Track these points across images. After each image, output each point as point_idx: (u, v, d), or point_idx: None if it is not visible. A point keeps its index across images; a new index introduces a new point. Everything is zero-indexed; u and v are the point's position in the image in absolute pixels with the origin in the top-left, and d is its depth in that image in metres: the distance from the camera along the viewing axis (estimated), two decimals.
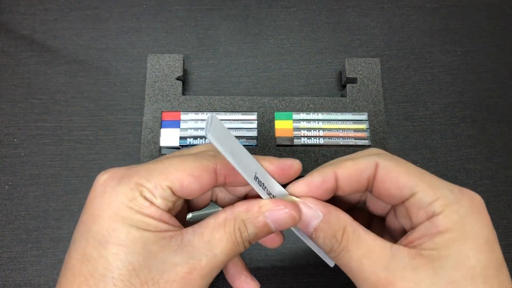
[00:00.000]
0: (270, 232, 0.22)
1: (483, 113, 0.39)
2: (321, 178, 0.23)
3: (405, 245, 0.21)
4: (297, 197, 0.23)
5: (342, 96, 0.38)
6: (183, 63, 0.37)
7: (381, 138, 0.35)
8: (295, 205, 0.22)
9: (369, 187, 0.23)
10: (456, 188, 0.22)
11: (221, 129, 0.21)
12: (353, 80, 0.37)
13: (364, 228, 0.22)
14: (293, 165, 0.24)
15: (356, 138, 0.35)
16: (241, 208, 0.23)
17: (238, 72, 0.39)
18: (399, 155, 0.39)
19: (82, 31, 0.40)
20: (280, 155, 0.34)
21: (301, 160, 0.34)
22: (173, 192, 0.22)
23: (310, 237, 0.23)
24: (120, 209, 0.21)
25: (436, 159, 0.38)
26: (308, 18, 0.42)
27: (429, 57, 0.41)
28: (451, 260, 0.19)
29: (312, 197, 0.23)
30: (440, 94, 0.40)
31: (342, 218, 0.22)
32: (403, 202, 0.22)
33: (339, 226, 0.22)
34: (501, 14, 0.43)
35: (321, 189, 0.23)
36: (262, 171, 0.23)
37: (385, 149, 0.35)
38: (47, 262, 0.33)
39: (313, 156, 0.34)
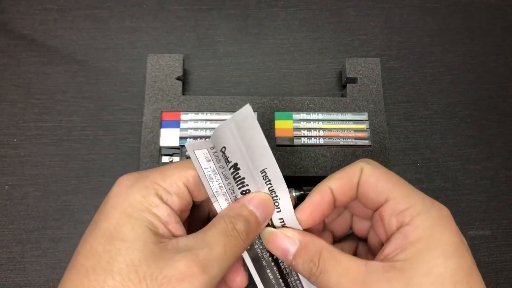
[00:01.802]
0: (258, 221, 0.24)
1: (483, 113, 0.39)
2: (319, 195, 0.24)
3: (381, 260, 0.22)
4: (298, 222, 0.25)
5: (342, 96, 0.38)
6: (183, 63, 0.37)
7: (381, 138, 0.35)
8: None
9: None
10: (427, 199, 0.23)
11: (220, 134, 0.24)
12: (353, 80, 0.37)
13: (340, 250, 0.23)
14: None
15: (356, 138, 0.35)
16: (226, 209, 0.25)
17: (238, 72, 0.39)
18: (399, 155, 0.39)
19: (82, 31, 0.40)
20: (280, 155, 0.34)
21: (301, 160, 0.34)
22: (188, 191, 0.24)
23: (291, 265, 0.24)
24: (131, 206, 0.22)
25: (436, 159, 0.37)
26: (308, 18, 0.42)
27: (429, 57, 0.41)
28: (421, 269, 0.20)
29: (313, 219, 0.25)
30: (440, 94, 0.40)
31: (318, 243, 0.24)
32: (378, 208, 0.24)
33: (316, 251, 0.23)
34: (501, 14, 0.43)
35: (323, 204, 0.24)
36: (274, 170, 0.24)
37: (385, 149, 0.35)
38: (47, 262, 0.33)
39: (313, 156, 0.34)
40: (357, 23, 0.42)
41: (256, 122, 0.24)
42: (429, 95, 0.40)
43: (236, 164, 0.24)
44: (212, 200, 0.25)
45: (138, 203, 0.22)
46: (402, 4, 0.43)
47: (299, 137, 0.35)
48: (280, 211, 0.25)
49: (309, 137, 0.35)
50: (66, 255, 0.33)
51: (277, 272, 0.27)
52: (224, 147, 0.25)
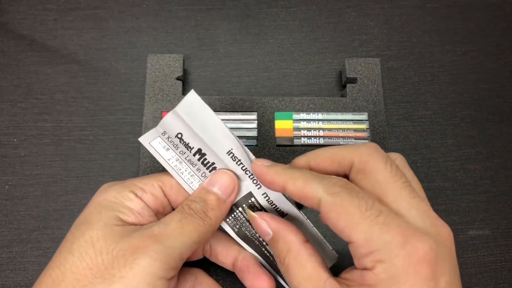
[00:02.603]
0: (219, 198, 0.24)
1: (483, 113, 0.39)
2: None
3: (343, 278, 0.21)
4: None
5: (342, 96, 0.38)
6: (183, 63, 0.37)
7: (381, 138, 0.35)
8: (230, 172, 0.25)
9: None
10: (398, 239, 0.19)
11: (172, 124, 0.24)
12: (353, 80, 0.37)
13: (311, 253, 0.22)
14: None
15: (356, 138, 0.35)
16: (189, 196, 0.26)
17: (238, 72, 0.39)
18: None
19: (82, 31, 0.40)
20: (280, 155, 0.34)
21: None
22: (163, 192, 0.25)
23: None
24: (105, 199, 0.24)
25: (436, 159, 0.38)
26: (308, 18, 0.42)
27: (429, 57, 0.41)
28: None
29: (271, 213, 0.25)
30: (440, 94, 0.40)
31: (288, 240, 0.23)
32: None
33: (283, 249, 0.23)
34: (501, 14, 0.43)
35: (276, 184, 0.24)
36: (238, 148, 0.25)
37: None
38: (47, 262, 0.33)
39: None
40: (357, 23, 0.42)
41: (205, 105, 0.24)
42: (429, 95, 0.40)
43: (200, 150, 0.25)
44: (189, 191, 0.26)
45: (112, 197, 0.24)
46: (402, 4, 0.43)
47: (299, 137, 0.35)
48: (260, 187, 0.25)
49: (309, 137, 0.35)
50: None
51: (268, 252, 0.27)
52: (181, 133, 0.25)
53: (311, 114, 0.36)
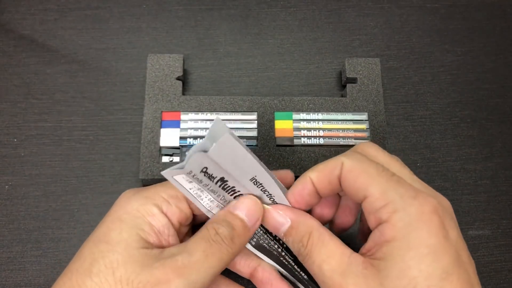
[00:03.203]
0: (245, 225, 0.24)
1: (483, 113, 0.39)
2: (301, 185, 0.24)
3: (363, 254, 0.22)
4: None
5: (342, 96, 0.38)
6: (183, 63, 0.37)
7: (381, 138, 0.35)
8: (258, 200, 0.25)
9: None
10: (410, 192, 0.21)
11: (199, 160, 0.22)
12: (353, 80, 0.37)
13: (331, 234, 0.23)
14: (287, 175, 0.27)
15: (356, 138, 0.35)
16: (213, 217, 0.25)
17: (238, 72, 0.39)
18: (399, 155, 0.39)
19: (82, 31, 0.40)
20: (280, 155, 0.34)
21: (301, 160, 0.34)
22: (188, 203, 0.25)
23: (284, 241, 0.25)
24: (126, 213, 0.23)
25: (436, 159, 0.38)
26: (308, 18, 0.42)
27: (429, 57, 0.41)
28: (395, 270, 0.20)
29: (296, 205, 0.25)
30: (440, 94, 0.40)
31: (309, 223, 0.23)
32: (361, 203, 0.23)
33: (306, 231, 0.23)
34: (501, 14, 0.43)
35: (304, 194, 0.24)
36: (265, 176, 0.24)
37: (385, 149, 0.35)
38: (47, 262, 0.33)
39: (313, 156, 0.34)
40: (357, 23, 0.42)
41: (238, 145, 0.21)
42: (429, 95, 0.40)
43: (222, 178, 0.23)
44: (209, 215, 0.25)
45: (134, 210, 0.23)
46: (402, 4, 0.43)
47: (299, 137, 0.35)
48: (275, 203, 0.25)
49: (309, 137, 0.35)
50: (66, 255, 0.33)
51: (291, 259, 0.27)
52: (206, 167, 0.23)
53: (311, 114, 0.36)
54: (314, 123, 0.36)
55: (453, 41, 0.42)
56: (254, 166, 0.23)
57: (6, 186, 0.35)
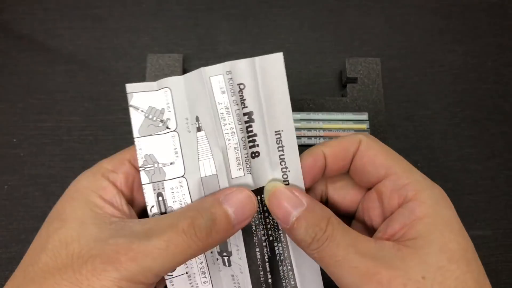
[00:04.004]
0: (229, 221, 0.21)
1: (483, 113, 0.39)
2: (312, 158, 0.23)
3: (388, 239, 0.21)
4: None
5: (342, 96, 0.38)
6: (183, 63, 0.36)
7: (381, 138, 0.35)
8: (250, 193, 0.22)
9: (350, 166, 0.24)
10: (427, 178, 0.22)
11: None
12: (353, 80, 0.37)
13: (346, 225, 0.22)
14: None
15: None
16: (198, 200, 0.23)
17: None
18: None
19: (82, 31, 0.40)
20: None
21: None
22: (135, 167, 0.24)
23: (289, 229, 0.22)
24: (76, 191, 0.22)
25: (436, 159, 0.37)
26: (308, 18, 0.42)
27: (429, 57, 0.41)
28: (435, 245, 0.20)
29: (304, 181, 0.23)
30: (440, 94, 0.40)
31: (327, 210, 0.22)
32: (374, 185, 0.23)
33: (324, 216, 0.21)
34: (501, 14, 0.43)
35: (315, 168, 0.23)
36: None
37: None
38: None
39: None
40: (357, 23, 0.42)
41: (285, 74, 0.21)
42: (429, 95, 0.40)
43: (251, 113, 0.22)
44: (219, 143, 0.22)
45: (84, 187, 0.22)
46: (402, 4, 0.43)
47: (299, 137, 0.35)
48: (288, 184, 0.23)
49: (309, 137, 0.35)
50: None
51: (266, 254, 0.24)
52: (243, 84, 0.22)
53: (311, 114, 0.36)
54: (314, 123, 0.35)
55: (453, 41, 0.42)
56: (287, 113, 0.21)
57: (6, 186, 0.35)
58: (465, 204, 0.36)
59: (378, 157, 0.22)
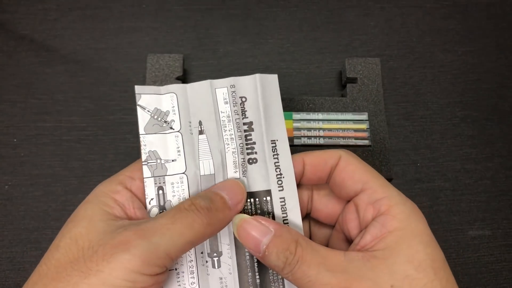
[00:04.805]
0: (225, 202, 0.23)
1: (483, 113, 0.39)
2: (292, 162, 0.25)
3: (358, 250, 0.22)
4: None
5: (342, 96, 0.38)
6: (183, 63, 0.37)
7: (381, 138, 0.35)
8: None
9: (329, 179, 0.25)
10: (401, 193, 0.24)
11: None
12: (353, 80, 0.37)
13: (314, 242, 0.23)
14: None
15: (356, 138, 0.35)
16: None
17: (238, 72, 0.39)
18: (399, 155, 0.39)
19: (82, 31, 0.40)
20: None
21: None
22: None
23: (262, 257, 0.22)
24: (93, 195, 0.24)
25: (436, 159, 0.37)
26: (308, 18, 0.42)
27: (429, 57, 0.41)
28: (403, 256, 0.21)
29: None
30: (440, 94, 0.40)
31: (294, 232, 0.23)
32: (352, 198, 0.24)
33: (292, 239, 0.22)
34: (501, 14, 0.43)
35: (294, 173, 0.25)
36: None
37: (385, 149, 0.35)
38: None
39: None
40: (357, 23, 0.42)
41: (279, 92, 0.25)
42: (429, 95, 0.40)
43: (251, 123, 0.25)
44: (217, 146, 0.24)
45: (99, 191, 0.24)
46: (402, 4, 0.43)
47: (299, 137, 0.35)
48: (282, 189, 0.25)
49: (309, 137, 0.35)
50: None
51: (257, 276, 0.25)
52: (245, 97, 0.25)
53: (311, 114, 0.36)
54: (314, 123, 0.35)
55: (453, 41, 0.42)
56: (281, 124, 0.24)
57: (6, 186, 0.35)
58: (464, 204, 0.36)
59: (356, 172, 0.24)
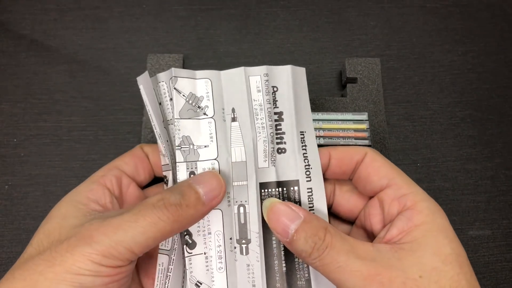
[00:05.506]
0: (199, 197, 0.22)
1: (483, 113, 0.39)
2: (318, 154, 0.26)
3: (385, 243, 0.23)
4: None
5: (342, 96, 0.38)
6: (183, 63, 0.37)
7: (381, 138, 0.35)
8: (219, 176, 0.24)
9: (353, 174, 0.26)
10: (424, 191, 0.25)
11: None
12: (353, 80, 0.37)
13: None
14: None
15: (356, 138, 0.35)
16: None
17: None
18: (399, 155, 0.39)
19: (82, 31, 0.40)
20: None
21: None
22: (126, 174, 0.27)
23: (289, 242, 0.22)
24: (68, 196, 0.25)
25: (436, 159, 0.37)
26: (308, 18, 0.42)
27: (429, 57, 0.41)
28: (430, 249, 0.21)
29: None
30: (440, 94, 0.40)
31: (322, 220, 0.23)
32: (377, 194, 0.25)
33: (321, 226, 0.22)
34: (501, 14, 0.43)
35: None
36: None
37: (385, 149, 0.35)
38: None
39: None
40: (357, 23, 0.42)
41: (306, 85, 0.25)
42: (429, 95, 0.40)
43: (281, 113, 0.25)
44: (245, 139, 0.25)
45: (74, 191, 0.25)
46: (402, 4, 0.43)
47: None
48: (310, 180, 0.25)
49: None
50: None
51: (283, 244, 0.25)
52: (276, 87, 0.25)
53: (311, 114, 0.36)
54: (314, 123, 0.35)
55: (453, 41, 0.42)
56: (308, 117, 0.25)
57: (6, 186, 0.35)
58: (464, 204, 0.36)
59: (382, 169, 0.25)
